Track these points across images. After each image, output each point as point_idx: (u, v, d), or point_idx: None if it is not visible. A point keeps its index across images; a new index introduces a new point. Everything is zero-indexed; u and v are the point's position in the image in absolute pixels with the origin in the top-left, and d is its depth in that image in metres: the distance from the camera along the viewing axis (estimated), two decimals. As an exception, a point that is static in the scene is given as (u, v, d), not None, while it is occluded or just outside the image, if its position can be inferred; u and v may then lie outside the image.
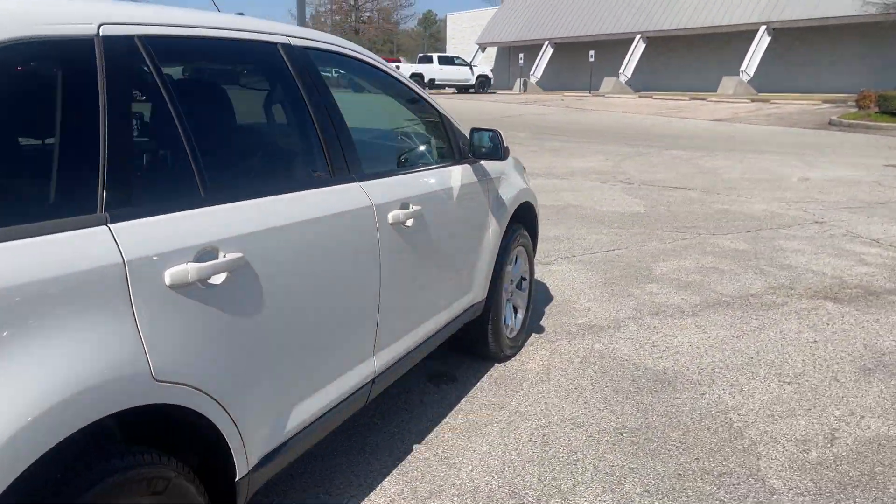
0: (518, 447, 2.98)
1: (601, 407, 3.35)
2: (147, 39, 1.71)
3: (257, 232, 1.84)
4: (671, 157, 13.14)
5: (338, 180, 2.28)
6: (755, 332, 4.32)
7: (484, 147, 3.14)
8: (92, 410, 1.36)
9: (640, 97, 33.46)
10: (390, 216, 2.46)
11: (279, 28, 2.30)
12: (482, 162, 3.40)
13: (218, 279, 1.67)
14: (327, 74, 3.10)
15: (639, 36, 38.03)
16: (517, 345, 3.95)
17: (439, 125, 3.16)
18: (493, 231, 3.42)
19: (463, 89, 43.09)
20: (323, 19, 63.11)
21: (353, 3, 63.19)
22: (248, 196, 1.90)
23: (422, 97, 3.07)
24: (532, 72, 43.78)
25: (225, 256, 1.69)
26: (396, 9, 68.49)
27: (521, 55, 44.74)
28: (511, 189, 3.65)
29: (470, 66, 43.11)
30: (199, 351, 1.63)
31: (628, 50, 38.05)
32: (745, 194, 9.21)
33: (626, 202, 8.55)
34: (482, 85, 43.28)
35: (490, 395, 3.46)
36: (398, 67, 40.18)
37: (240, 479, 1.80)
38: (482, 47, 50.44)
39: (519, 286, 4.07)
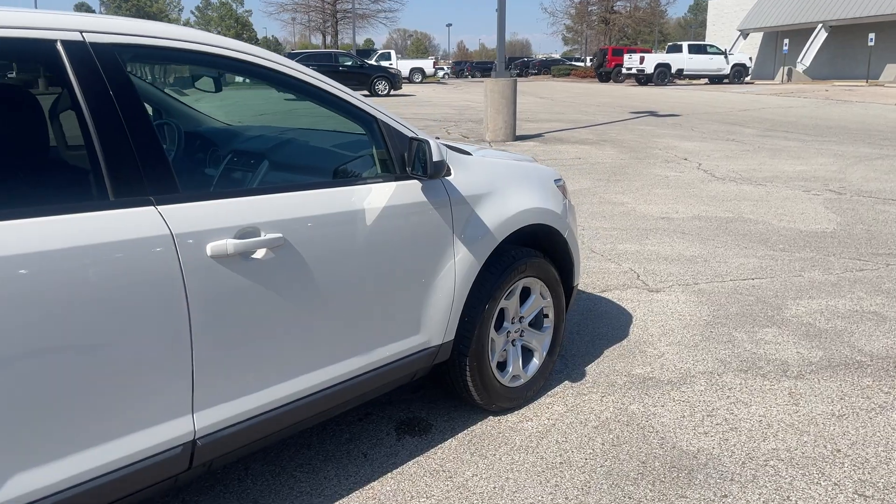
0: (423, 536, 2.40)
1: (571, 496, 2.61)
2: None
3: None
4: (921, 160, 10.82)
5: (118, 203, 1.89)
6: (868, 414, 3.19)
7: (419, 161, 2.55)
8: None
9: (927, 87, 28.46)
10: (212, 247, 2.02)
11: (68, 22, 1.95)
12: (450, 178, 2.81)
13: None
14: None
15: (934, 15, 32.38)
16: (525, 395, 3.27)
17: (374, 133, 2.63)
18: (461, 261, 2.81)
19: (716, 80, 40.06)
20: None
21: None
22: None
23: (343, 99, 2.55)
24: (800, 59, 39.34)
25: None
26: (659, -5, 65.51)
27: (786, 41, 40.47)
28: (504, 210, 2.99)
29: (725, 54, 39.89)
30: None
31: (918, 31, 32.57)
32: None
33: (818, 217, 7.08)
34: (738, 75, 39.89)
35: (449, 458, 2.87)
36: (642, 59, 38.73)
37: None
38: (744, 34, 46.44)
39: (537, 325, 3.38)
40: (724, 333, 4.13)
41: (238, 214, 2.11)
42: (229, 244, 2.05)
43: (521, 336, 3.29)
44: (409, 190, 2.63)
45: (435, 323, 2.79)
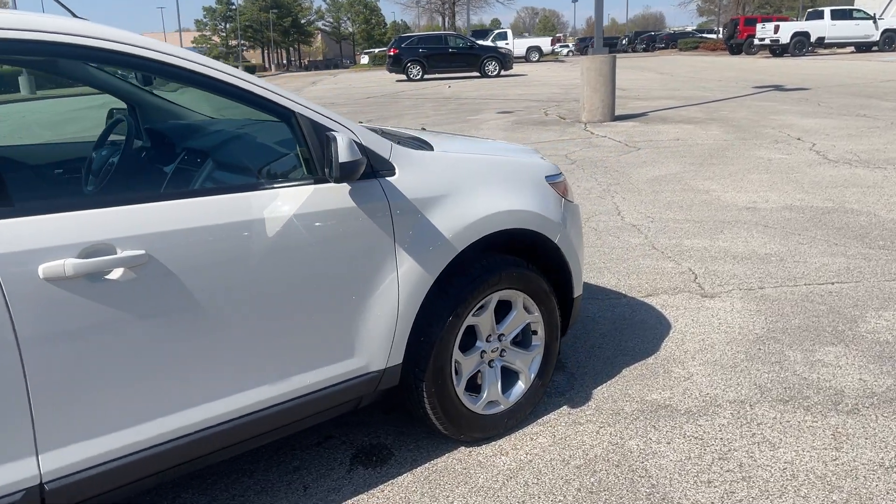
0: None
1: (514, 557, 2.21)
2: None
3: None
4: None
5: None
6: (928, 467, 2.55)
7: (328, 161, 2.18)
8: None
9: None
10: (45, 269, 1.77)
11: None
12: (393, 178, 2.43)
13: None
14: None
15: None
16: (504, 424, 2.86)
17: (294, 129, 2.29)
18: (406, 275, 2.44)
19: (863, 48, 36.66)
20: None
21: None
22: None
23: (251, 91, 2.21)
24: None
25: None
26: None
27: (950, 2, 36.43)
28: (467, 213, 2.57)
29: (874, 19, 36.38)
30: None
31: None
32: None
33: (939, 206, 6.09)
34: (889, 41, 36.32)
35: (397, 497, 2.52)
36: (777, 28, 35.89)
37: None
38: (897, -4, 42.10)
39: (523, 343, 2.95)
40: (774, 351, 3.51)
41: (84, 230, 1.85)
42: (68, 264, 1.79)
43: (501, 356, 2.87)
44: (332, 194, 2.28)
45: (374, 345, 2.44)
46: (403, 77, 29.08)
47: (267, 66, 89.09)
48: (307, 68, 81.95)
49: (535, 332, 2.95)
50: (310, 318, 2.27)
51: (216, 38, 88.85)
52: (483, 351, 2.80)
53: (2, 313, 1.72)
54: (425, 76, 28.74)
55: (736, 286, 4.42)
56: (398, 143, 2.63)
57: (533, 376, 2.95)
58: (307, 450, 2.82)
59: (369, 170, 2.38)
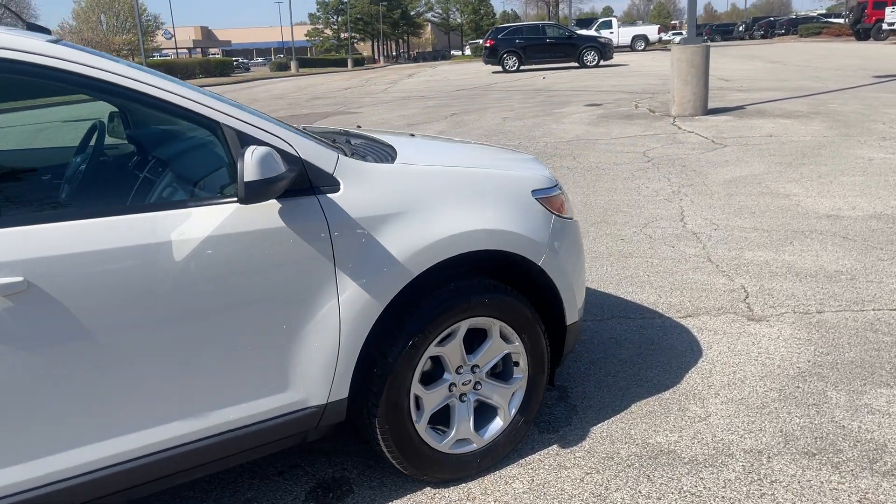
0: None
1: None
2: None
3: None
4: None
5: None
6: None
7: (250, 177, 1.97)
8: None
9: None
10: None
11: None
12: (336, 195, 2.20)
13: None
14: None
15: None
16: (476, 464, 2.59)
17: (221, 142, 2.10)
18: (349, 302, 2.21)
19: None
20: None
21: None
22: None
23: (171, 102, 2.03)
24: None
25: None
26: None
27: None
28: (425, 234, 2.31)
29: None
30: None
31: None
32: None
33: None
34: None
35: (339, 542, 2.31)
36: (887, 15, 32.94)
37: None
38: None
39: (503, 375, 2.67)
40: (814, 391, 3.06)
41: (-45, 255, 1.73)
42: (-63, 291, 1.67)
43: (476, 389, 2.60)
44: (256, 214, 2.08)
45: (312, 379, 2.22)
46: (499, 68, 28.68)
47: (376, 57, 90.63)
48: (415, 60, 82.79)
49: (516, 364, 2.66)
50: (228, 351, 2.08)
51: (328, 31, 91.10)
52: (452, 384, 2.54)
53: None
54: (521, 67, 28.23)
55: (790, 308, 3.93)
56: (355, 153, 2.40)
57: (513, 412, 2.66)
58: (266, 479, 2.65)
59: (307, 185, 2.16)
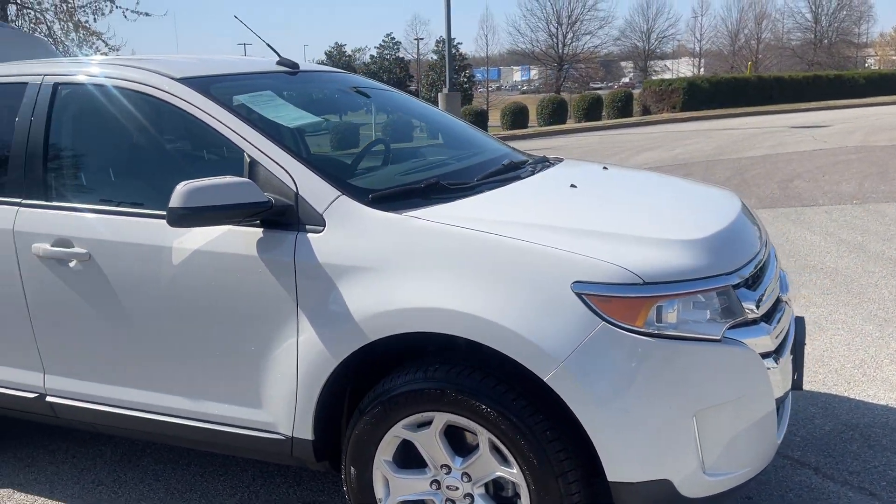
0: None
1: None
2: None
3: None
4: None
5: (7, 201, 2.60)
6: None
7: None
8: None
9: None
10: (36, 248, 2.49)
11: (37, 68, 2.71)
12: (319, 235, 2.14)
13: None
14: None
15: None
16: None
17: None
18: (307, 344, 2.12)
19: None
20: None
21: None
22: None
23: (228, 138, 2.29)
24: None
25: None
26: None
27: None
28: (388, 297, 2.00)
29: None
30: None
31: None
32: None
33: None
34: None
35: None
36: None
37: None
38: None
39: (496, 493, 2.08)
40: None
41: (55, 225, 2.49)
42: (42, 248, 2.48)
43: (469, 502, 2.11)
44: (240, 239, 2.22)
45: (277, 406, 2.25)
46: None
47: None
48: None
49: (514, 485, 2.03)
50: (208, 348, 2.32)
51: None
52: (435, 480, 2.13)
53: (16, 273, 2.55)
54: None
55: None
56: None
57: (508, 551, 2.05)
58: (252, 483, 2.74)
59: (292, 219, 2.18)
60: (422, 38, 61.53)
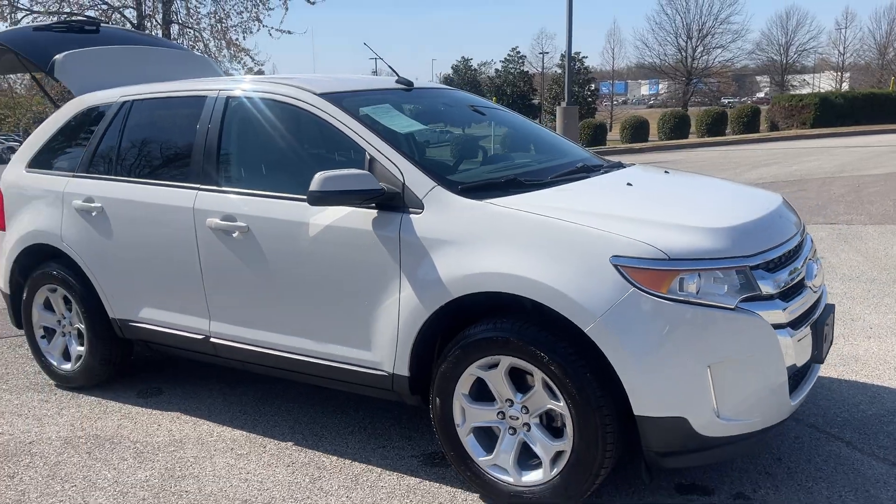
0: None
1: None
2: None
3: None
4: None
5: (190, 186, 3.40)
6: None
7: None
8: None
9: None
10: (209, 221, 3.26)
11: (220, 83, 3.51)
12: (417, 216, 2.77)
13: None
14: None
15: None
16: (508, 499, 2.68)
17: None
18: (407, 300, 2.75)
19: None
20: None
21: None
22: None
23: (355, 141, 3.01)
24: None
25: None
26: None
27: None
28: (465, 266, 2.62)
29: None
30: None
31: None
32: None
33: None
34: None
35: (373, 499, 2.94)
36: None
37: None
38: None
39: (556, 431, 2.60)
40: None
41: (223, 205, 3.25)
42: (213, 222, 3.25)
43: (527, 430, 2.66)
44: (361, 217, 2.88)
45: (382, 349, 2.89)
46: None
47: None
48: None
49: (563, 426, 2.56)
50: (333, 300, 2.99)
51: None
52: (501, 412, 2.70)
53: (192, 236, 3.34)
54: None
55: None
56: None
57: (555, 472, 2.59)
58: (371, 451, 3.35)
59: (399, 203, 2.83)
60: (547, 52, 61.91)
